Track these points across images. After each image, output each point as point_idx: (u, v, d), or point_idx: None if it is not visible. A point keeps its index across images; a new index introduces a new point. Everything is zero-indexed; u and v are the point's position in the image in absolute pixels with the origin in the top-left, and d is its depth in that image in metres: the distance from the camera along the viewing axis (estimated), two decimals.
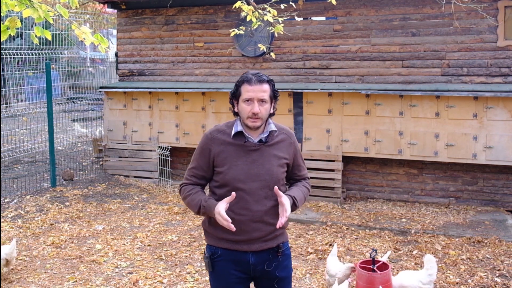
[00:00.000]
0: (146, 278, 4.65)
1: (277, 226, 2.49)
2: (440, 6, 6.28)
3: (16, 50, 9.42)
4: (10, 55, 9.05)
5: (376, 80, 7.10)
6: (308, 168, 7.20)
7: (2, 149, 8.03)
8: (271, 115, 2.62)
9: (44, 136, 8.97)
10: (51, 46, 10.17)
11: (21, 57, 9.44)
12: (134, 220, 6.38)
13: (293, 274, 4.69)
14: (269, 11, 4.92)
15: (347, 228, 6.04)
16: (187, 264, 4.98)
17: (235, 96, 2.59)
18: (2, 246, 4.68)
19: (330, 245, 5.47)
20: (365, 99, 6.92)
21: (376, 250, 3.80)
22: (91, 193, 7.45)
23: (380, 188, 7.35)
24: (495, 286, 4.43)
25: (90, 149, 9.75)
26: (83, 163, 8.93)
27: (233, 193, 2.46)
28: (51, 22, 3.00)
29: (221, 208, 2.44)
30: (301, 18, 6.28)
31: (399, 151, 6.83)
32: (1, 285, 4.50)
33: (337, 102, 7.08)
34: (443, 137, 6.61)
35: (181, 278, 4.67)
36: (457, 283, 4.50)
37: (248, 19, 5.04)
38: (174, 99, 8.00)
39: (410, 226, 6.10)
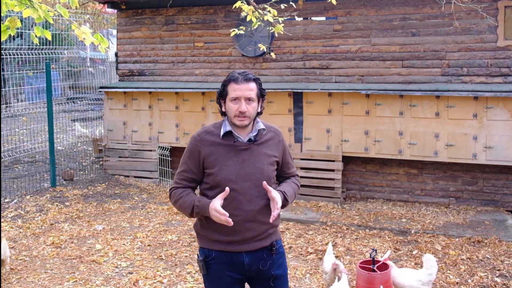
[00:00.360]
0: (146, 278, 4.65)
1: (270, 221, 2.49)
2: (440, 6, 6.28)
3: (16, 50, 9.42)
4: (10, 55, 9.05)
5: (376, 80, 7.10)
6: (308, 168, 7.27)
7: (2, 149, 8.03)
8: (258, 114, 2.62)
9: (44, 136, 8.97)
10: (51, 46, 10.17)
11: (21, 57, 9.44)
12: (134, 220, 6.38)
13: (293, 274, 4.70)
14: (269, 11, 4.91)
15: (347, 228, 6.04)
16: (187, 264, 4.98)
17: (222, 95, 2.59)
18: None
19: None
20: (365, 99, 6.92)
21: (376, 250, 3.80)
22: (91, 193, 7.45)
23: (380, 188, 7.35)
24: (495, 286, 4.43)
25: (90, 149, 9.75)
26: (83, 163, 8.93)
27: (227, 188, 2.45)
28: (51, 22, 3.00)
29: (216, 204, 2.43)
30: (301, 18, 6.27)
31: (399, 151, 6.83)
32: (1, 285, 4.50)
33: (337, 102, 7.08)
34: (443, 137, 6.61)
35: (181, 278, 4.67)
36: (457, 283, 4.50)
37: (248, 19, 5.03)
38: (174, 99, 8.00)
39: (410, 226, 6.10)
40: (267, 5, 4.93)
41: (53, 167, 7.56)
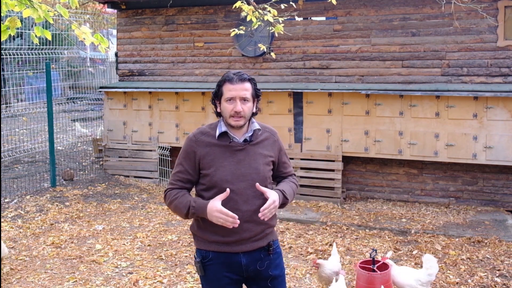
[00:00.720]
0: (146, 278, 4.65)
1: (259, 215, 2.46)
2: (440, 6, 6.28)
3: (16, 50, 9.42)
4: (10, 55, 9.05)
5: (376, 80, 7.10)
6: (308, 168, 7.26)
7: (2, 149, 8.03)
8: (254, 114, 2.62)
9: (44, 136, 8.97)
10: (51, 46, 10.17)
11: (21, 57, 9.44)
12: (134, 220, 6.38)
13: (293, 274, 4.70)
14: (269, 11, 4.91)
15: (347, 228, 6.04)
16: (187, 264, 4.98)
17: (217, 96, 2.60)
18: None
19: (330, 245, 5.47)
20: (365, 99, 6.92)
21: (376, 250, 3.80)
22: (91, 193, 7.45)
23: (380, 188, 7.35)
24: (495, 286, 4.43)
25: (90, 149, 9.75)
26: (83, 163, 8.93)
27: (227, 190, 2.45)
28: (51, 22, 3.00)
29: (217, 205, 2.42)
30: (301, 18, 6.27)
31: (399, 151, 6.83)
32: (1, 285, 4.50)
33: (337, 102, 7.08)
34: (443, 137, 6.61)
35: (181, 278, 4.67)
36: (457, 283, 4.50)
37: (248, 19, 5.03)
38: (174, 99, 8.00)
39: (410, 226, 6.10)
40: (267, 5, 4.93)
41: (53, 167, 7.56)
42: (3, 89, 9.12)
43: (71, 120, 10.62)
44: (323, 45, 7.35)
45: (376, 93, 6.77)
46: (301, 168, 7.30)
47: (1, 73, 8.94)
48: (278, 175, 2.77)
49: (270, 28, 5.49)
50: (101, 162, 8.80)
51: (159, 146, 8.12)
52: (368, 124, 6.95)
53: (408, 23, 6.92)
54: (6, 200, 6.84)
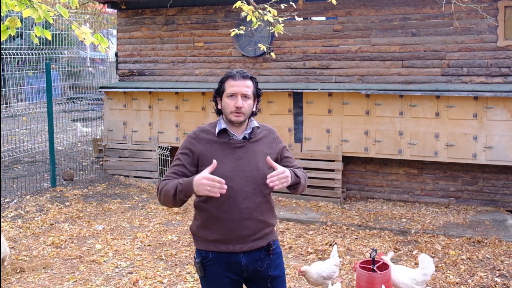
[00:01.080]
0: (146, 278, 4.65)
1: (267, 181, 2.40)
2: (440, 6, 6.28)
3: (16, 50, 9.42)
4: (10, 55, 9.05)
5: (376, 80, 7.10)
6: (308, 168, 7.26)
7: (2, 149, 8.03)
8: (253, 114, 2.64)
9: (44, 136, 8.97)
10: (51, 46, 10.17)
11: (21, 57, 9.44)
12: (134, 220, 6.38)
13: (293, 274, 4.70)
14: (269, 11, 4.91)
15: (347, 228, 6.03)
16: (187, 264, 4.98)
17: (219, 93, 2.63)
18: None
19: (330, 245, 5.48)
20: (365, 99, 6.92)
21: (376, 250, 3.79)
22: (91, 193, 7.45)
23: (380, 188, 7.35)
24: (495, 286, 4.43)
25: (90, 149, 9.75)
26: (83, 163, 8.93)
27: (214, 161, 2.39)
28: (51, 22, 3.00)
29: (203, 173, 2.35)
30: (301, 18, 6.27)
31: (399, 151, 6.83)
32: (1, 285, 4.50)
33: (337, 102, 7.08)
34: (443, 137, 6.61)
35: (181, 278, 4.67)
36: (457, 283, 4.50)
37: (248, 19, 5.03)
38: (174, 99, 8.00)
39: (410, 226, 6.10)
40: (267, 5, 4.93)
41: (53, 167, 7.56)
42: (3, 89, 9.12)
43: (71, 120, 10.63)
44: (323, 45, 7.35)
45: (376, 93, 6.77)
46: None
47: (1, 73, 8.94)
48: None
49: (270, 28, 5.49)
50: (101, 162, 8.80)
51: (159, 146, 8.12)
52: (368, 124, 6.95)
53: (408, 23, 6.92)
54: (6, 200, 6.84)
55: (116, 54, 8.96)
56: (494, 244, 5.41)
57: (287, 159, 2.75)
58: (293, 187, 2.62)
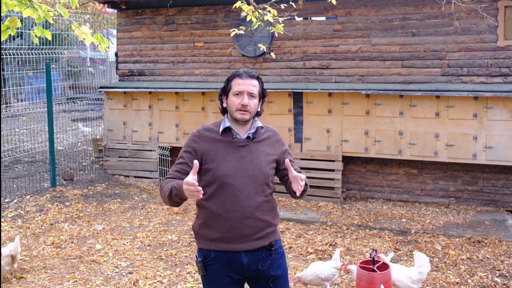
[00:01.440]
0: (146, 278, 4.65)
1: (297, 193, 2.49)
2: (440, 6, 6.28)
3: (16, 50, 9.42)
4: (10, 55, 9.05)
5: (376, 80, 7.10)
6: (308, 168, 7.26)
7: (2, 149, 8.03)
8: (258, 114, 2.66)
9: (44, 136, 8.97)
10: (51, 46, 10.17)
11: (21, 57, 9.44)
12: (134, 220, 6.38)
13: (293, 274, 4.69)
14: (269, 11, 4.91)
15: (347, 228, 6.03)
16: (187, 264, 4.98)
17: (225, 91, 2.65)
18: (7, 244, 4.70)
19: (330, 245, 5.48)
20: (365, 99, 6.92)
21: (376, 250, 3.80)
22: (91, 193, 7.45)
23: (380, 188, 7.35)
24: (495, 286, 4.43)
25: (90, 149, 9.75)
26: (83, 163, 8.93)
27: (195, 162, 2.38)
28: (51, 22, 3.00)
29: (188, 177, 2.35)
30: (301, 18, 6.28)
31: (399, 151, 6.83)
32: (1, 285, 4.50)
33: (337, 102, 7.08)
34: (443, 137, 6.61)
35: (181, 278, 4.67)
36: (457, 283, 4.50)
37: (248, 19, 5.03)
38: (174, 99, 8.00)
39: (410, 226, 6.10)
40: (267, 5, 4.93)
41: (53, 167, 7.56)
42: (3, 89, 9.13)
43: (72, 120, 10.63)
44: (323, 45, 7.35)
45: (376, 93, 6.77)
46: (301, 168, 7.28)
47: (1, 73, 8.94)
48: (286, 174, 2.76)
49: (270, 28, 5.49)
50: (101, 162, 8.80)
51: (159, 146, 8.12)
52: (368, 124, 6.95)
53: (408, 23, 6.92)
54: (6, 200, 6.84)
55: (116, 54, 8.96)
56: (494, 244, 5.41)
57: (290, 163, 2.76)
58: (301, 193, 2.62)
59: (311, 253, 5.26)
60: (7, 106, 9.68)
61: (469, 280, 4.55)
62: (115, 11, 8.78)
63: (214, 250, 2.58)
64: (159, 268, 4.88)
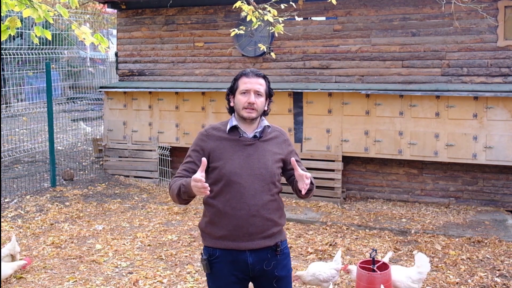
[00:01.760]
0: (146, 278, 4.65)
1: (302, 191, 2.50)
2: (440, 6, 6.28)
3: (16, 50, 9.42)
4: (10, 55, 9.05)
5: (376, 80, 7.10)
6: (308, 168, 7.25)
7: (2, 149, 8.03)
8: (265, 113, 2.68)
9: (44, 136, 8.97)
10: (51, 46, 10.17)
11: (21, 57, 9.44)
12: (134, 220, 6.38)
13: (293, 274, 4.70)
14: (269, 11, 4.91)
15: (347, 228, 6.04)
16: (187, 264, 4.98)
17: (232, 90, 2.67)
18: (3, 244, 4.71)
19: (330, 245, 5.48)
20: (365, 99, 6.92)
21: (376, 250, 3.80)
22: (91, 193, 7.45)
23: (380, 188, 7.35)
24: (495, 286, 4.43)
25: (90, 149, 9.75)
26: (83, 163, 8.93)
27: (204, 159, 2.41)
28: (51, 22, 3.00)
29: (196, 174, 2.38)
30: (301, 18, 6.28)
31: (399, 151, 6.83)
32: (1, 285, 4.50)
33: (337, 102, 7.08)
34: (443, 137, 6.61)
35: (181, 278, 4.67)
36: (457, 283, 4.50)
37: (248, 19, 5.03)
38: (174, 99, 8.00)
39: (410, 226, 6.10)
40: (267, 5, 4.93)
41: (53, 167, 7.56)
42: (3, 89, 9.13)
43: (72, 120, 10.63)
44: (323, 45, 7.35)
45: (376, 93, 6.77)
46: None
47: (1, 73, 8.94)
48: (292, 174, 2.76)
49: (270, 28, 5.49)
50: (101, 162, 8.80)
51: (159, 146, 8.12)
52: (368, 124, 6.95)
53: (408, 23, 6.92)
54: (6, 200, 6.84)
55: (116, 54, 8.96)
56: (494, 244, 5.41)
57: (297, 162, 2.76)
58: (306, 193, 2.63)
59: (311, 253, 5.26)
60: (7, 106, 9.68)
61: (469, 280, 4.55)
62: (115, 11, 8.78)
63: (219, 248, 2.59)
64: (159, 268, 4.88)
